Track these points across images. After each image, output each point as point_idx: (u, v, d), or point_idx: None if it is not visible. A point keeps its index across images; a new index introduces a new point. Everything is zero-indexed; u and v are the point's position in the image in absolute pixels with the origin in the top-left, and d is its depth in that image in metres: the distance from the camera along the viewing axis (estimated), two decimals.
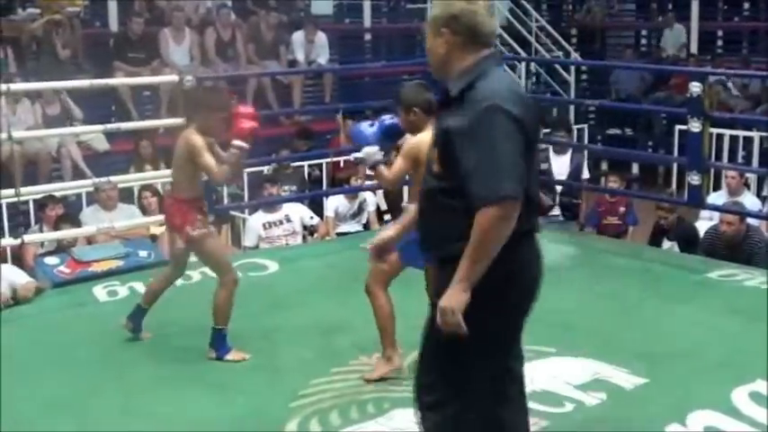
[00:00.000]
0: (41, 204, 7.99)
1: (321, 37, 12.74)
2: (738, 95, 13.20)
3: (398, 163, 4.85)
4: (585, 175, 8.96)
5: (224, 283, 5.25)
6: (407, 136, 4.96)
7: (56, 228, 7.51)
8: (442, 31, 3.21)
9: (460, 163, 3.09)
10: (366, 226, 9.11)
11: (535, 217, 3.34)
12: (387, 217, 9.44)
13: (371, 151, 4.89)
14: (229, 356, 5.26)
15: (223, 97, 5.49)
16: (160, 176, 8.35)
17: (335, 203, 8.96)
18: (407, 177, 5.13)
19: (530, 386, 4.76)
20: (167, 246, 8.07)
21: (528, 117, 3.12)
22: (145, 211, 8.38)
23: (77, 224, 7.63)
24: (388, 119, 5.01)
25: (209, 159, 5.16)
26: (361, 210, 9.13)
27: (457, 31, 3.19)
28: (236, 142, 5.16)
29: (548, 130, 9.95)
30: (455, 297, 3.13)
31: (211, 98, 5.50)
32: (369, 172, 5.08)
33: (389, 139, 5.02)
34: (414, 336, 5.33)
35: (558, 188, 8.89)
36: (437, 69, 3.32)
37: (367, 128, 4.95)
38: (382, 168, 4.92)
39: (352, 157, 9.98)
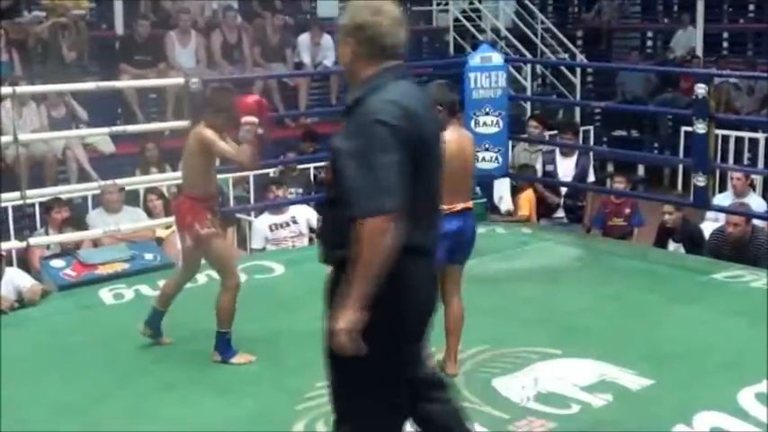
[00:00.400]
0: (47, 207, 8.00)
1: (327, 39, 12.75)
2: (750, 95, 13.19)
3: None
4: (591, 177, 8.96)
5: (227, 287, 5.24)
6: None
7: (60, 231, 7.52)
8: (347, 39, 3.22)
9: (342, 175, 3.07)
10: None
11: (426, 233, 3.26)
12: None
13: None
14: (235, 359, 5.26)
15: (231, 96, 5.46)
16: (166, 179, 8.36)
17: None
18: None
19: (536, 388, 4.80)
20: (177, 247, 8.12)
21: (417, 130, 3.10)
22: (150, 213, 8.38)
23: (82, 227, 7.64)
24: None
25: (224, 146, 5.18)
26: None
27: (361, 41, 3.19)
28: (247, 118, 5.11)
29: (554, 132, 9.96)
30: (345, 317, 3.04)
31: (220, 97, 5.48)
32: None
33: None
34: None
35: (563, 190, 8.91)
36: (347, 76, 3.36)
37: None
38: None
39: None
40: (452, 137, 4.80)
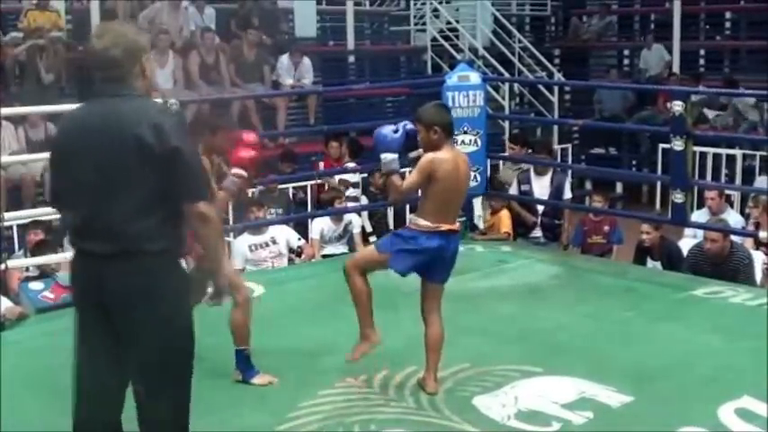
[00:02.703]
0: (25, 229, 7.96)
1: (306, 61, 12.83)
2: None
3: (413, 176, 4.88)
4: (568, 195, 8.97)
5: (236, 303, 5.11)
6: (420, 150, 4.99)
7: (34, 254, 7.48)
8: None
9: None
10: (351, 248, 9.11)
11: (82, 240, 3.49)
12: (372, 239, 9.45)
13: (390, 158, 4.91)
14: (256, 380, 5.13)
15: (223, 115, 5.40)
16: None
17: (321, 225, 8.96)
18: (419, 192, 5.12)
19: (516, 406, 4.80)
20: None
21: (61, 140, 3.60)
22: None
23: (56, 249, 7.60)
24: (411, 124, 5.03)
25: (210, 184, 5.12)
26: (346, 232, 9.14)
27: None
28: (236, 170, 5.07)
29: (529, 152, 9.98)
30: None
31: (212, 118, 5.44)
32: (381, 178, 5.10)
33: (412, 144, 5.04)
34: (404, 354, 5.34)
35: (540, 209, 8.92)
36: None
37: (391, 133, 4.97)
38: (396, 178, 4.93)
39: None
40: (448, 156, 4.83)
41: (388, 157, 4.92)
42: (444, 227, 4.85)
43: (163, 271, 3.47)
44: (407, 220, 5.07)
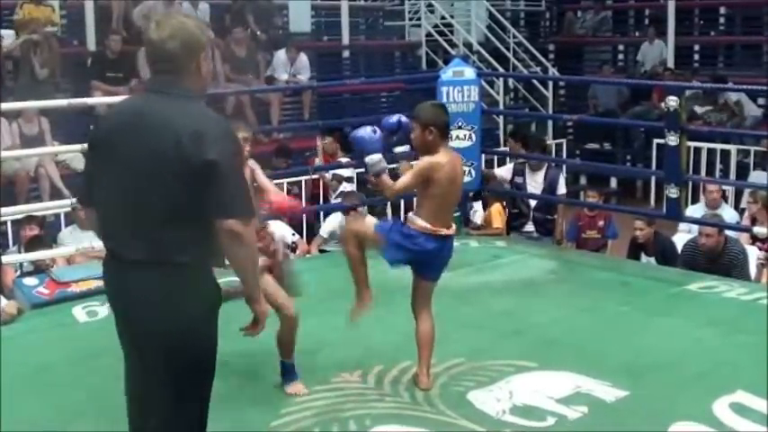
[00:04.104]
0: (20, 225, 7.95)
1: (303, 57, 12.83)
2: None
3: (408, 178, 4.86)
4: (562, 190, 8.97)
5: (281, 319, 4.95)
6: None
7: (27, 249, 7.48)
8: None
9: None
10: None
11: (111, 241, 3.36)
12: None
13: (376, 159, 4.86)
14: (289, 389, 5.02)
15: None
16: None
17: (334, 223, 8.84)
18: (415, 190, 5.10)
19: (511, 401, 4.80)
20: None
21: (101, 138, 3.36)
22: None
23: (50, 245, 7.60)
24: (391, 119, 5.01)
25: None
26: None
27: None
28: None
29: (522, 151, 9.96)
30: None
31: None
32: (372, 179, 5.02)
33: (404, 137, 5.02)
34: (399, 350, 5.35)
35: (532, 204, 8.91)
36: None
37: (371, 134, 4.91)
38: (386, 177, 4.89)
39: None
40: (445, 159, 4.81)
41: (373, 158, 4.87)
42: (443, 231, 4.84)
43: (188, 283, 3.28)
44: (406, 218, 5.03)
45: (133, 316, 3.32)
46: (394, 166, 5.25)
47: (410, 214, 5.00)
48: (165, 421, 3.35)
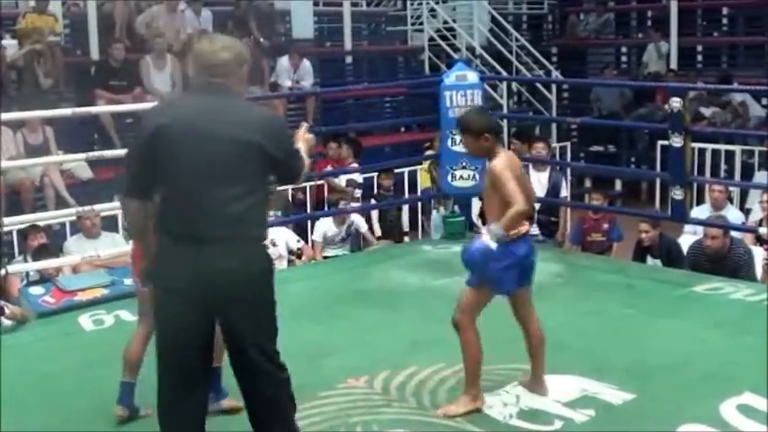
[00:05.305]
0: (24, 234, 7.96)
1: (306, 63, 12.85)
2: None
3: (509, 186, 4.55)
4: (565, 192, 8.95)
5: None
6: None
7: (34, 258, 7.49)
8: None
9: None
10: (357, 248, 9.14)
11: (188, 224, 3.73)
12: (382, 242, 9.49)
13: (492, 236, 4.47)
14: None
15: None
16: None
17: (324, 228, 8.96)
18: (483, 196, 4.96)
19: (518, 405, 4.80)
20: None
21: (167, 128, 3.72)
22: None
23: (56, 254, 7.61)
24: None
25: None
26: (349, 233, 9.14)
27: (193, 65, 3.96)
28: None
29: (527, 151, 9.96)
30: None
31: None
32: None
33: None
34: (405, 355, 5.34)
35: (537, 206, 8.90)
36: None
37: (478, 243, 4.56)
38: (504, 219, 4.51)
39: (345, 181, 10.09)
40: (508, 157, 4.75)
41: (494, 232, 4.48)
42: (525, 228, 4.75)
43: (261, 253, 3.89)
44: (476, 236, 4.77)
45: (220, 288, 3.73)
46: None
47: (484, 229, 4.79)
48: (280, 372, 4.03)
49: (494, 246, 4.44)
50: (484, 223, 8.76)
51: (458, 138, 8.06)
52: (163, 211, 3.80)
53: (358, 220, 9.26)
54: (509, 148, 9.51)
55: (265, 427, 3.97)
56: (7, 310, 6.38)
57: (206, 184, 3.70)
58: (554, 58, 17.07)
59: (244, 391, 4.00)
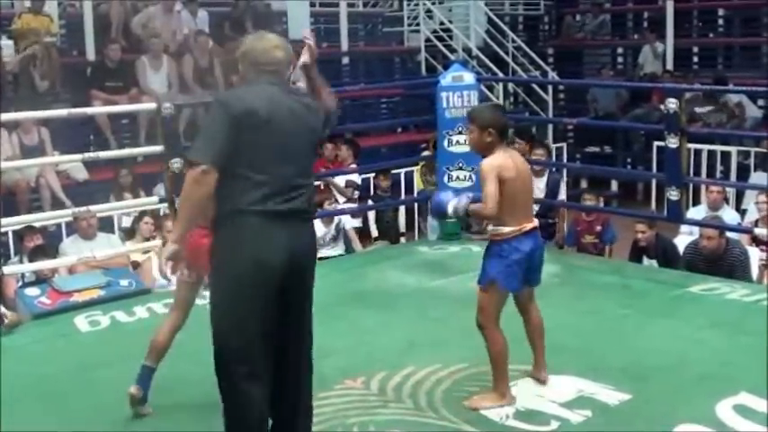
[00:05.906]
0: (20, 235, 7.95)
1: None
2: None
3: (489, 186, 4.67)
4: (562, 195, 8.95)
5: None
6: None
7: (31, 259, 7.48)
8: (239, 60, 4.21)
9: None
10: (347, 248, 9.13)
11: (268, 200, 3.93)
12: (380, 243, 9.49)
13: (455, 203, 4.84)
14: None
15: None
16: (139, 204, 8.34)
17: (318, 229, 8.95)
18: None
19: (514, 405, 4.79)
20: (153, 273, 8.04)
21: (254, 112, 3.92)
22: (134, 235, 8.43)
23: (52, 255, 7.60)
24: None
25: None
26: (338, 232, 9.14)
27: (244, 61, 4.18)
28: None
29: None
30: (165, 249, 4.13)
31: None
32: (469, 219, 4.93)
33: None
34: (402, 355, 5.34)
35: (535, 208, 8.90)
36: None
37: (446, 196, 4.98)
38: (474, 206, 4.80)
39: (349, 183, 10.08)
40: (504, 157, 4.76)
41: (454, 205, 4.85)
42: (528, 226, 4.78)
43: (313, 227, 4.25)
44: (489, 233, 4.89)
45: (302, 257, 4.10)
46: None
47: (491, 228, 4.87)
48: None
49: (451, 208, 4.83)
50: (480, 223, 8.81)
51: (454, 138, 8.09)
52: (244, 189, 3.92)
53: (344, 218, 9.25)
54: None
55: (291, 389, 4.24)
56: (6, 319, 6.37)
57: (292, 167, 4.00)
58: (550, 59, 17.06)
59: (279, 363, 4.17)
